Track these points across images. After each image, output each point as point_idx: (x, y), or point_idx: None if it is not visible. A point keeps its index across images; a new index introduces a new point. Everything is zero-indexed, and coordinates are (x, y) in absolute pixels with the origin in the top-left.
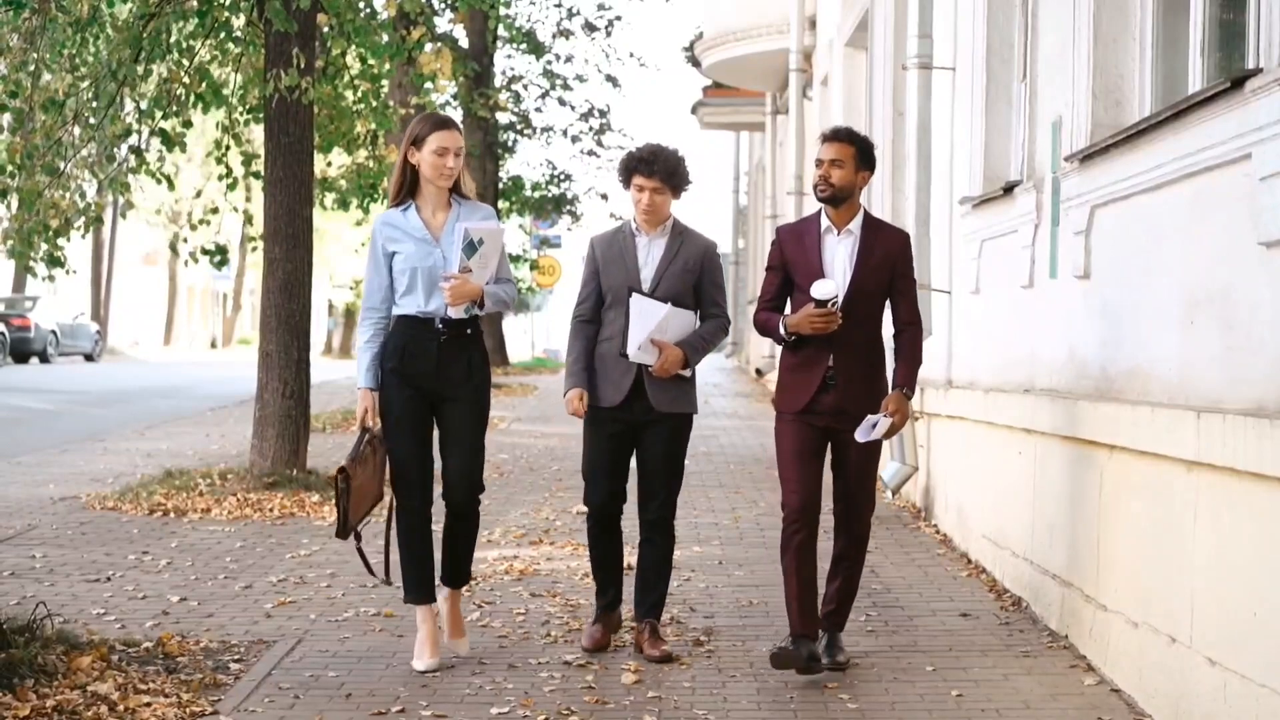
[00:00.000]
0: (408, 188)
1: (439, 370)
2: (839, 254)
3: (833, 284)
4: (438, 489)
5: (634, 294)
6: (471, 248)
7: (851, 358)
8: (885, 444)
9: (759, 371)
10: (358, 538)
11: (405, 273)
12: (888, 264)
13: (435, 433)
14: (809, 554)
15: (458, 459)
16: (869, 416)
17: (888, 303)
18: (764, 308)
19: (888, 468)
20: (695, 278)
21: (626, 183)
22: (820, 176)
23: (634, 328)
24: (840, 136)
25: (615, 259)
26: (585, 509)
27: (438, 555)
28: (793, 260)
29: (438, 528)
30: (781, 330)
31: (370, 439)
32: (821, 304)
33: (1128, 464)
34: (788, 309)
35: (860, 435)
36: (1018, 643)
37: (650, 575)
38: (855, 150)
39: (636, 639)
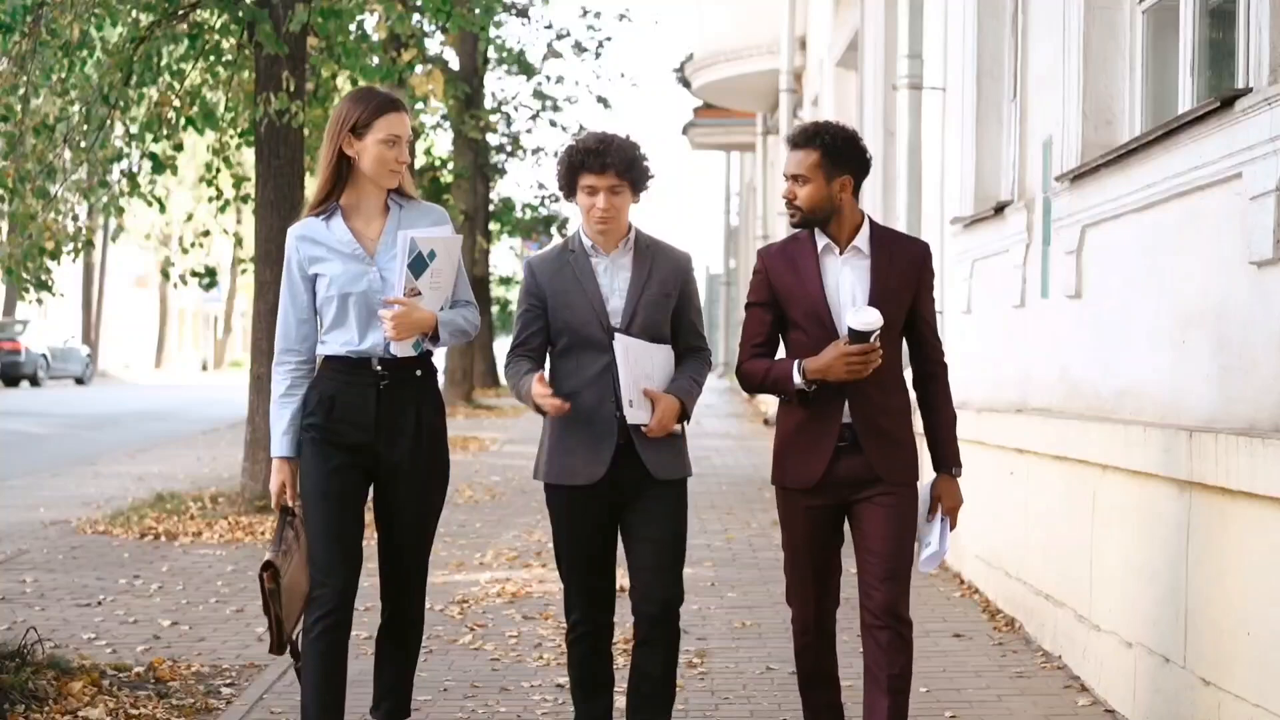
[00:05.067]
0: (340, 189)
1: (379, 428)
2: (845, 278)
3: (876, 312)
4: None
5: (618, 337)
6: (420, 262)
7: (873, 408)
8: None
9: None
10: (295, 653)
11: (333, 300)
12: (907, 285)
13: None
14: (826, 661)
15: (402, 551)
16: (928, 540)
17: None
18: (754, 353)
19: (923, 551)
20: (673, 303)
21: (571, 186)
22: (784, 198)
23: (624, 380)
24: (798, 142)
25: (570, 288)
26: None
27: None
28: (786, 291)
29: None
30: (797, 378)
31: (293, 520)
32: (861, 337)
33: (1120, 484)
34: (780, 352)
35: (926, 565)
36: (1011, 663)
37: (654, 690)
38: (820, 155)
39: None
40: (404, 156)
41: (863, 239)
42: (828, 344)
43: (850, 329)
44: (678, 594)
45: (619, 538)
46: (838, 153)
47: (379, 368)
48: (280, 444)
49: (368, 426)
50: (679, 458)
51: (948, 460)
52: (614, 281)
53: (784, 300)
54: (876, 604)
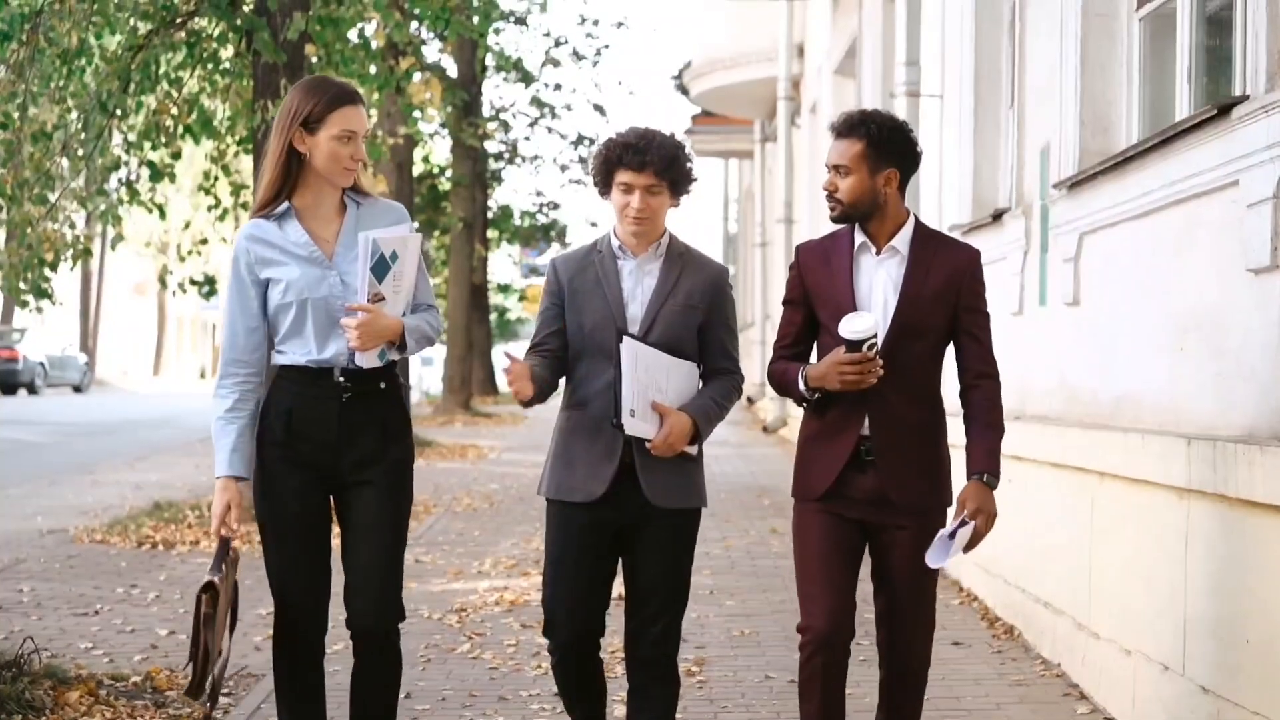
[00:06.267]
0: (290, 189)
1: (342, 443)
2: (879, 279)
3: (870, 318)
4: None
5: (626, 338)
6: (383, 265)
7: (895, 422)
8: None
9: (750, 399)
10: (213, 699)
11: (290, 307)
12: (948, 292)
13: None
14: (836, 689)
15: (368, 569)
16: (941, 531)
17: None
18: (781, 354)
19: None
20: (701, 317)
21: (606, 182)
22: (824, 190)
23: (627, 386)
24: (841, 130)
25: (590, 289)
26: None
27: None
28: (817, 290)
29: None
30: (801, 385)
31: (233, 550)
32: (854, 346)
33: (1119, 491)
34: (813, 356)
35: (933, 559)
36: (1010, 671)
37: None
38: (865, 146)
39: None
40: (359, 153)
41: (902, 239)
42: None
43: (842, 337)
44: (674, 637)
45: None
46: (884, 143)
47: (341, 379)
48: (229, 462)
49: (329, 442)
50: (687, 485)
51: (980, 464)
52: (637, 287)
53: (814, 299)
54: (881, 641)
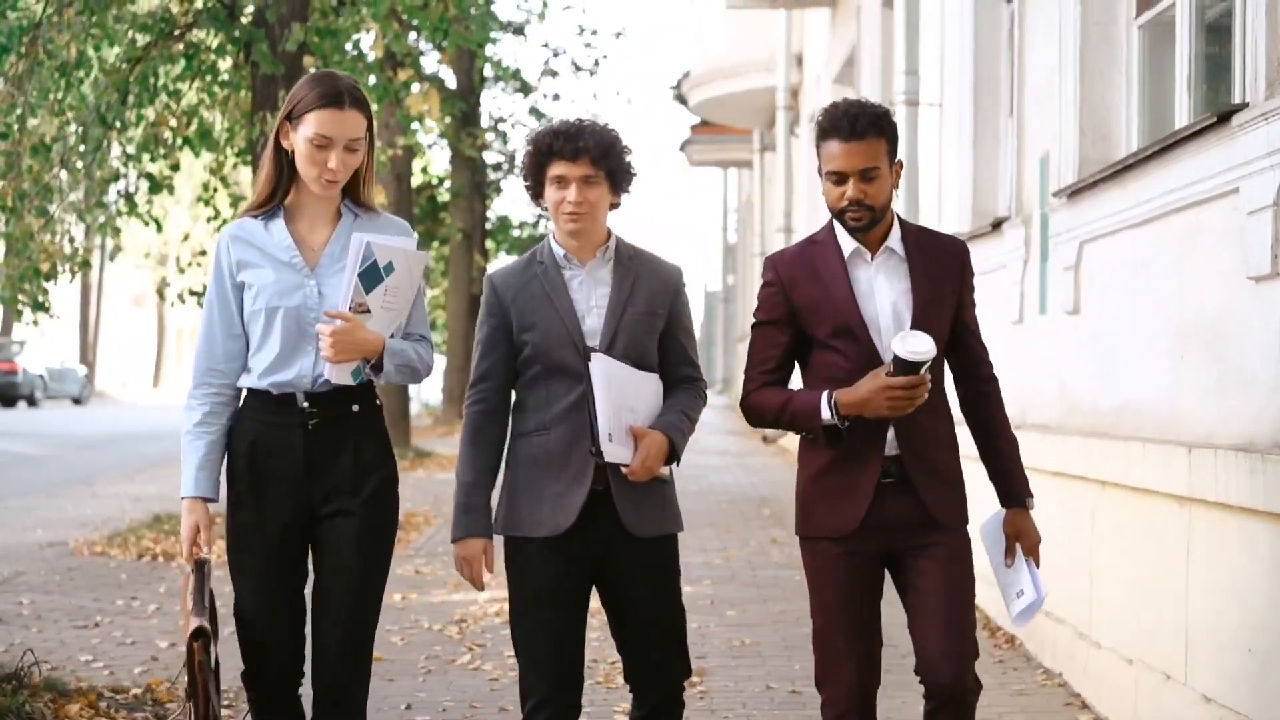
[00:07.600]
0: (284, 187)
1: (310, 475)
2: (880, 285)
3: (929, 340)
4: None
5: (595, 356)
6: (374, 274)
7: (925, 438)
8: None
9: None
10: None
11: (258, 315)
12: (950, 291)
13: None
14: None
15: (332, 613)
16: (1009, 580)
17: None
18: (764, 380)
19: (1015, 602)
20: (661, 323)
21: (539, 179)
22: (850, 200)
23: (602, 409)
24: (858, 130)
25: (537, 304)
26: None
27: None
28: (810, 305)
29: None
30: (826, 412)
31: (206, 574)
32: (910, 367)
33: (1120, 500)
34: (795, 377)
35: (1023, 619)
36: (1012, 681)
37: None
38: (886, 142)
39: None
40: (336, 163)
41: (895, 239)
42: (869, 364)
43: (897, 358)
44: (679, 678)
45: (590, 603)
46: (895, 137)
47: (306, 404)
48: (195, 481)
49: (294, 476)
50: (665, 510)
51: (1019, 492)
52: (590, 297)
53: (806, 316)
54: (942, 683)
